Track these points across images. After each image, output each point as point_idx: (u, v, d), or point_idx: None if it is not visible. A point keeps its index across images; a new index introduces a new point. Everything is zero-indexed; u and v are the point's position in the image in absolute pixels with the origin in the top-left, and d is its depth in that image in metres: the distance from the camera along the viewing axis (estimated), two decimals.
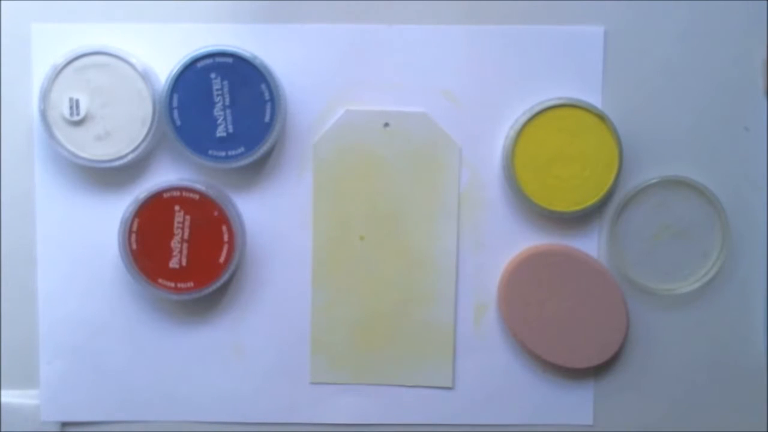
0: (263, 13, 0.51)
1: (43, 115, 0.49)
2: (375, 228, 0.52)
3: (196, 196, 0.50)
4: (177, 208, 0.50)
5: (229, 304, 0.53)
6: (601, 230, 0.52)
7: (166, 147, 0.52)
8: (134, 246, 0.50)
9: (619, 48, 0.51)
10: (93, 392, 0.53)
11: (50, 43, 0.51)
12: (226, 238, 0.50)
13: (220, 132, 0.50)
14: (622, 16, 0.51)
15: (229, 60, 0.49)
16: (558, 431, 0.53)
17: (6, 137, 0.52)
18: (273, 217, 0.52)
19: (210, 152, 0.50)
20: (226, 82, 0.49)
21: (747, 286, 0.53)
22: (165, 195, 0.50)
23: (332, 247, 0.52)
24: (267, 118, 0.50)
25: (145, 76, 0.49)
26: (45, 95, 0.49)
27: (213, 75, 0.49)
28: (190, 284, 0.50)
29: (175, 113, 0.49)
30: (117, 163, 0.50)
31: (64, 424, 0.53)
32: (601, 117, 0.50)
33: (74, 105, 0.49)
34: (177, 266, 0.50)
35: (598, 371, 0.53)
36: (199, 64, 0.49)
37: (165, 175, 0.52)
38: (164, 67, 0.50)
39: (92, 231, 0.52)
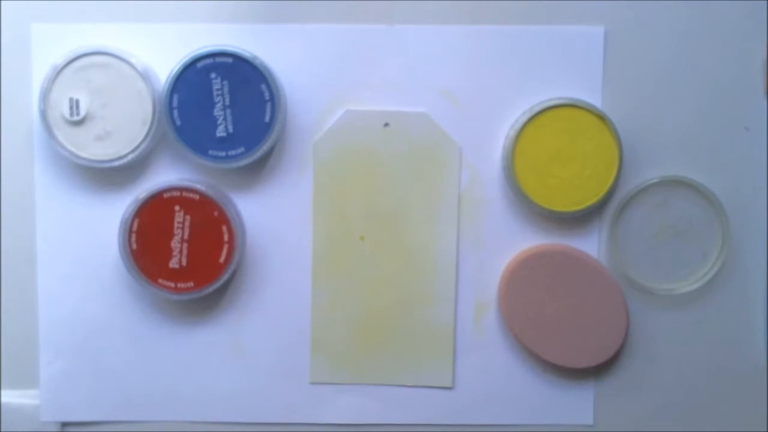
0: (263, 13, 0.51)
1: (43, 115, 0.49)
2: (375, 228, 0.52)
3: (196, 196, 0.50)
4: (177, 208, 0.50)
5: (229, 304, 0.53)
6: (601, 230, 0.52)
7: (166, 147, 0.52)
8: (134, 246, 0.50)
9: (619, 48, 0.51)
10: (93, 392, 0.53)
11: (50, 43, 0.51)
12: (226, 238, 0.50)
13: (220, 132, 0.50)
14: (622, 16, 0.51)
15: (229, 60, 0.49)
16: (558, 431, 0.53)
17: (6, 137, 0.52)
18: (273, 217, 0.52)
19: (210, 152, 0.50)
20: (226, 82, 0.49)
21: (747, 286, 0.53)
22: (165, 195, 0.50)
23: (332, 247, 0.52)
24: (267, 118, 0.50)
25: (145, 76, 0.49)
26: (45, 95, 0.49)
27: (213, 75, 0.49)
28: (190, 284, 0.50)
29: (175, 113, 0.49)
30: (117, 163, 0.50)
31: (64, 424, 0.53)
32: (601, 117, 0.50)
33: (74, 105, 0.49)
34: (177, 266, 0.50)
35: (598, 371, 0.53)
36: (199, 64, 0.49)
37: (165, 175, 0.52)
38: (164, 67, 0.50)
39: (92, 231, 0.52)
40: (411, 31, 0.51)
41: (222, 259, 0.50)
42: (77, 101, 0.49)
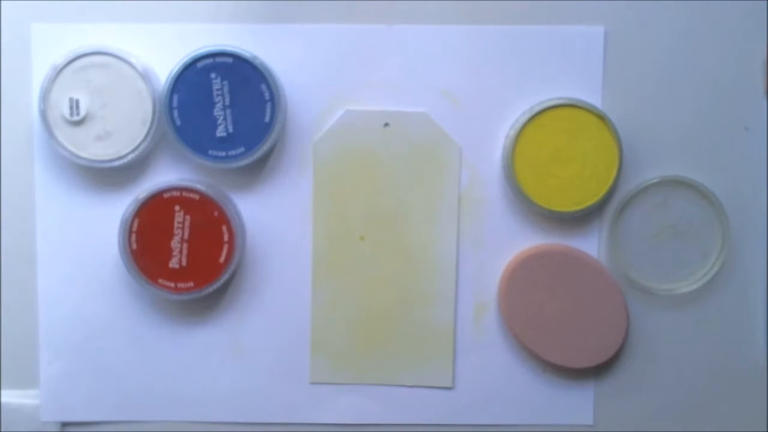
0: (263, 13, 0.51)
1: (43, 115, 0.49)
2: (375, 228, 0.52)
3: (196, 196, 0.50)
4: (177, 208, 0.50)
5: (229, 304, 0.53)
6: (601, 230, 0.52)
7: (166, 147, 0.52)
8: (134, 246, 0.50)
9: (619, 48, 0.51)
10: (93, 392, 0.53)
11: (50, 43, 0.51)
12: (226, 238, 0.50)
13: (220, 132, 0.50)
14: (622, 16, 0.51)
15: (229, 60, 0.49)
16: (558, 431, 0.53)
17: (6, 137, 0.52)
18: (273, 217, 0.52)
19: (210, 152, 0.50)
20: (226, 82, 0.49)
21: (747, 286, 0.53)
22: (165, 195, 0.50)
23: (332, 247, 0.52)
24: (267, 118, 0.50)
25: (145, 76, 0.49)
26: (45, 95, 0.49)
27: (213, 75, 0.49)
28: (190, 284, 0.50)
29: (175, 113, 0.49)
30: (117, 163, 0.50)
31: (64, 424, 0.53)
32: (601, 117, 0.50)
33: (74, 105, 0.49)
34: (177, 266, 0.50)
35: (598, 371, 0.53)
36: (199, 64, 0.49)
37: (165, 175, 0.52)
38: (164, 67, 0.50)
39: (92, 231, 0.52)
40: (411, 31, 0.51)
41: (222, 259, 0.50)
42: (77, 101, 0.49)
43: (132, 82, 0.50)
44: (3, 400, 0.53)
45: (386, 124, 0.52)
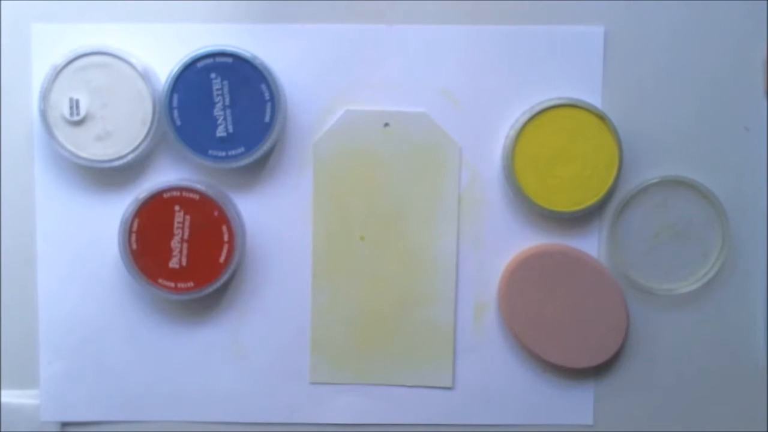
0: (263, 13, 0.51)
1: (43, 115, 0.49)
2: (375, 228, 0.52)
3: (196, 196, 0.50)
4: (177, 208, 0.50)
5: (229, 304, 0.53)
6: (601, 230, 0.52)
7: (166, 147, 0.52)
8: (134, 246, 0.50)
9: (619, 48, 0.51)
10: (93, 392, 0.53)
11: (50, 43, 0.51)
12: (226, 238, 0.50)
13: (220, 132, 0.50)
14: (622, 16, 0.51)
15: (229, 60, 0.49)
16: (558, 431, 0.53)
17: (6, 137, 0.52)
18: (273, 217, 0.52)
19: (210, 152, 0.50)
20: (226, 82, 0.49)
21: (747, 286, 0.53)
22: (165, 195, 0.50)
23: (332, 247, 0.52)
24: (267, 118, 0.50)
25: (145, 76, 0.49)
26: (45, 95, 0.49)
27: (213, 75, 0.49)
28: (190, 284, 0.50)
29: (175, 113, 0.49)
30: (117, 163, 0.50)
31: (64, 424, 0.53)
32: (601, 117, 0.50)
33: (74, 105, 0.49)
34: (177, 266, 0.50)
35: (598, 371, 0.53)
36: (199, 64, 0.49)
37: (165, 175, 0.52)
38: (164, 67, 0.50)
39: (92, 231, 0.52)
40: (411, 31, 0.51)
41: (222, 259, 0.50)
42: (77, 101, 0.49)
43: (132, 82, 0.50)
44: (3, 400, 0.53)
45: (386, 124, 0.52)
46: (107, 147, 0.50)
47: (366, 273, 0.52)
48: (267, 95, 0.50)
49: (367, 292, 0.52)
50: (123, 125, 0.50)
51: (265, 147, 0.50)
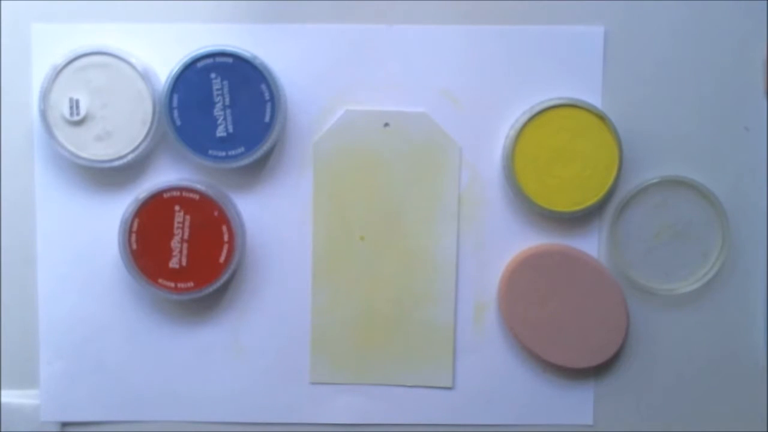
0: (263, 13, 0.51)
1: (43, 115, 0.49)
2: (375, 228, 0.52)
3: (196, 196, 0.50)
4: (177, 208, 0.50)
5: (229, 304, 0.53)
6: (601, 230, 0.52)
7: (166, 147, 0.52)
8: (134, 246, 0.50)
9: (619, 48, 0.51)
10: (93, 392, 0.53)
11: (50, 43, 0.51)
12: (226, 238, 0.50)
13: (220, 132, 0.50)
14: (622, 16, 0.51)
15: (229, 60, 0.49)
16: (558, 431, 0.53)
17: (6, 137, 0.52)
18: (273, 217, 0.52)
19: (210, 152, 0.50)
20: (226, 82, 0.49)
21: (747, 286, 0.53)
22: (165, 195, 0.50)
23: (332, 247, 0.52)
24: (267, 118, 0.50)
25: (145, 76, 0.49)
26: (45, 95, 0.49)
27: (213, 75, 0.49)
28: (190, 284, 0.50)
29: (175, 113, 0.49)
30: (117, 163, 0.50)
31: (64, 424, 0.53)
32: (601, 117, 0.50)
33: (74, 105, 0.49)
34: (177, 266, 0.50)
35: (598, 371, 0.53)
36: (199, 64, 0.49)
37: (165, 175, 0.52)
38: (164, 67, 0.50)
39: (92, 231, 0.52)
40: (411, 31, 0.51)
41: (222, 259, 0.50)
42: (77, 101, 0.49)
43: (132, 82, 0.50)
44: (3, 400, 0.53)
45: (386, 124, 0.52)
46: (107, 147, 0.50)
47: (366, 273, 0.52)
48: (267, 95, 0.50)
49: (367, 293, 0.52)
50: (123, 125, 0.50)
51: (265, 147, 0.50)
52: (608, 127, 0.50)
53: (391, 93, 0.52)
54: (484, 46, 0.51)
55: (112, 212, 0.51)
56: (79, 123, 0.50)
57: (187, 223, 0.50)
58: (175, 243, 0.50)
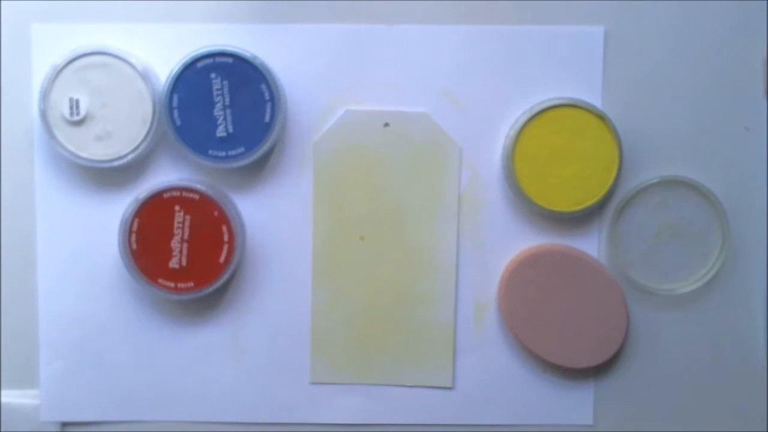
0: (263, 13, 0.51)
1: (43, 115, 0.49)
2: (375, 228, 0.52)
3: (196, 196, 0.50)
4: (177, 208, 0.50)
5: (229, 304, 0.53)
6: (601, 230, 0.52)
7: (166, 147, 0.52)
8: (134, 246, 0.50)
9: (619, 48, 0.51)
10: (93, 392, 0.53)
11: (50, 43, 0.51)
12: (226, 238, 0.50)
13: (220, 132, 0.50)
14: (622, 16, 0.51)
15: (229, 60, 0.49)
16: (558, 431, 0.53)
17: (6, 137, 0.52)
18: (273, 217, 0.52)
19: (210, 152, 0.50)
20: (226, 82, 0.49)
21: (747, 286, 0.53)
22: (165, 195, 0.50)
23: (332, 247, 0.52)
24: (267, 118, 0.50)
25: (145, 76, 0.49)
26: (45, 95, 0.49)
27: (213, 75, 0.49)
28: (190, 284, 0.50)
29: (175, 113, 0.49)
30: (117, 163, 0.50)
31: (64, 424, 0.53)
32: (601, 117, 0.50)
33: (74, 105, 0.49)
34: (177, 266, 0.50)
35: (598, 371, 0.53)
36: (199, 64, 0.49)
37: (165, 175, 0.52)
38: (164, 67, 0.50)
39: (92, 231, 0.52)
40: (411, 31, 0.51)
41: (222, 259, 0.50)
42: (77, 101, 0.49)
43: (132, 82, 0.50)
44: (3, 400, 0.53)
45: (386, 124, 0.52)
46: (107, 147, 0.50)
47: (366, 273, 0.52)
48: (267, 95, 0.50)
49: (367, 292, 0.52)
50: (123, 125, 0.50)
51: (265, 147, 0.50)
52: (608, 127, 0.50)
53: (391, 93, 0.52)
54: (484, 46, 0.51)
55: (112, 212, 0.51)
56: (79, 123, 0.50)
57: (187, 223, 0.50)
58: (175, 243, 0.50)
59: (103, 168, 0.51)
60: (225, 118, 0.49)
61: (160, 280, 0.50)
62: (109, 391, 0.53)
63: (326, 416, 0.53)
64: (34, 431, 0.53)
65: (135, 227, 0.50)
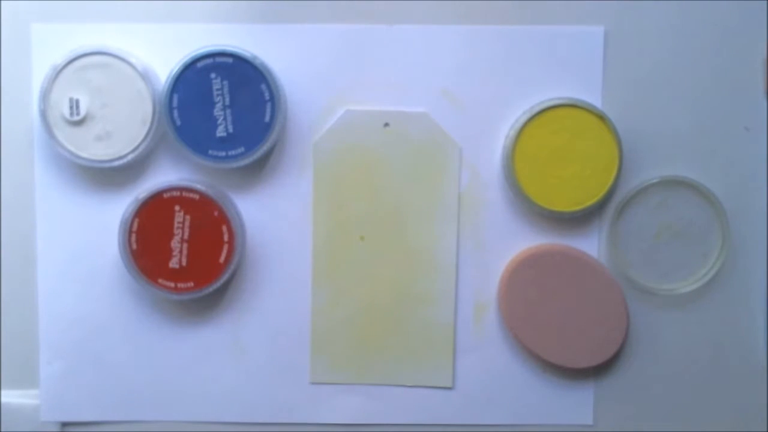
0: (263, 13, 0.51)
1: (43, 115, 0.49)
2: (375, 228, 0.52)
3: (196, 196, 0.50)
4: (177, 208, 0.50)
5: (229, 304, 0.53)
6: (601, 230, 0.52)
7: (166, 147, 0.52)
8: (134, 246, 0.50)
9: (619, 48, 0.51)
10: (93, 392, 0.53)
11: (50, 43, 0.51)
12: (226, 238, 0.50)
13: (220, 132, 0.50)
14: (622, 16, 0.51)
15: (229, 60, 0.49)
16: (558, 431, 0.53)
17: (6, 137, 0.52)
18: (273, 217, 0.52)
19: (210, 152, 0.50)
20: (226, 82, 0.49)
21: (747, 286, 0.53)
22: (165, 195, 0.50)
23: (332, 247, 0.52)
24: (267, 118, 0.50)
25: (145, 76, 0.49)
26: (45, 95, 0.49)
27: (213, 75, 0.49)
28: (190, 284, 0.50)
29: (175, 113, 0.49)
30: (117, 163, 0.50)
31: (64, 424, 0.53)
32: (601, 117, 0.50)
33: (74, 105, 0.49)
34: (177, 266, 0.50)
35: (598, 371, 0.53)
36: (199, 64, 0.49)
37: (165, 175, 0.52)
38: (164, 67, 0.50)
39: (92, 231, 0.52)
40: (411, 31, 0.51)
41: (222, 259, 0.50)
42: (77, 101, 0.49)
43: (132, 82, 0.50)
44: (3, 400, 0.53)
45: (386, 124, 0.52)
46: (107, 147, 0.50)
47: (366, 273, 0.52)
48: (267, 95, 0.50)
49: (367, 292, 0.52)
50: (123, 125, 0.50)
51: (265, 147, 0.50)
52: (608, 127, 0.50)
53: (391, 93, 0.52)
54: (484, 46, 0.51)
55: (112, 212, 0.51)
56: (79, 123, 0.50)
57: (187, 223, 0.50)
58: (175, 243, 0.50)
59: (103, 168, 0.51)
60: (225, 118, 0.49)
61: (160, 280, 0.50)
62: (109, 391, 0.53)
63: (326, 416, 0.53)
64: (34, 431, 0.53)
65: (135, 227, 0.50)
